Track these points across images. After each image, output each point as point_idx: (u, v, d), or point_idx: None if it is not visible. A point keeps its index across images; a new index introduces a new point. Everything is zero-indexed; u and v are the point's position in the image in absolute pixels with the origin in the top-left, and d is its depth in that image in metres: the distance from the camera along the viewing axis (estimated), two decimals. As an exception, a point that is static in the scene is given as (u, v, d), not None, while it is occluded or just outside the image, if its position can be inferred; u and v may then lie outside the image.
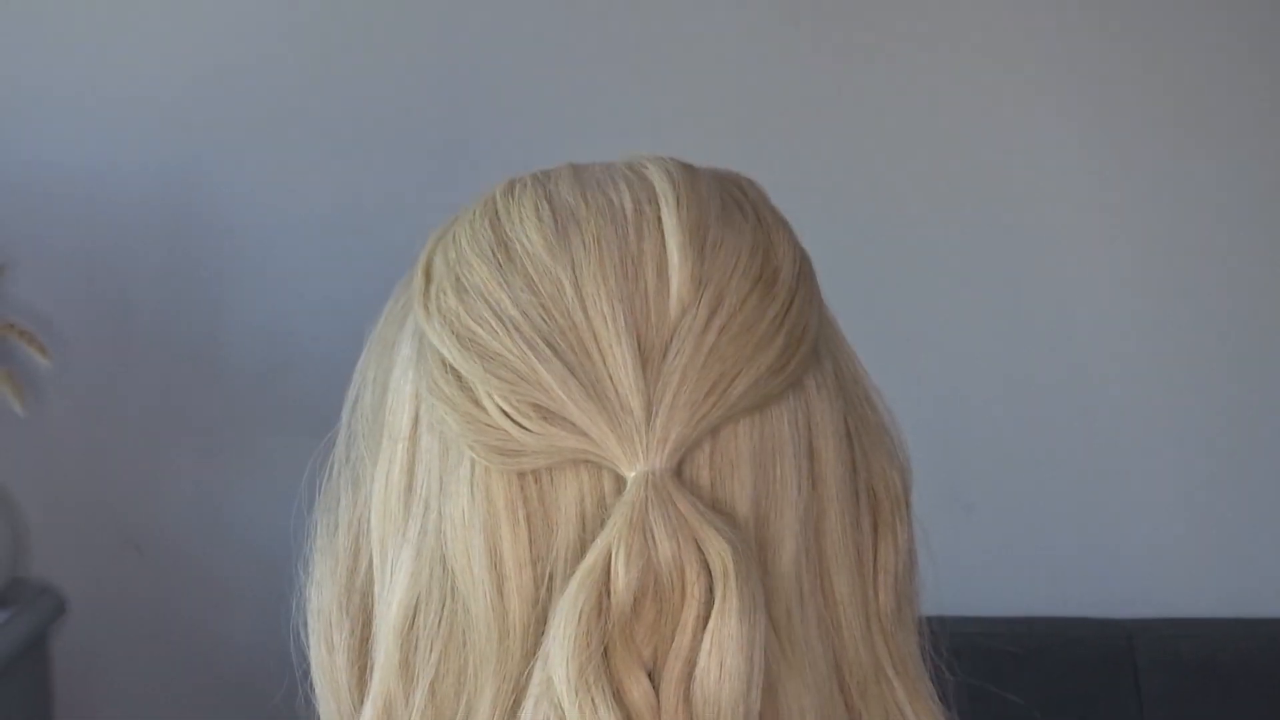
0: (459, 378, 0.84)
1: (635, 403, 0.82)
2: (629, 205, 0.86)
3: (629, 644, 0.81)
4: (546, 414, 0.82)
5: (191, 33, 2.19)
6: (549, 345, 0.82)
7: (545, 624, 0.82)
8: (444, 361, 0.84)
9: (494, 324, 0.83)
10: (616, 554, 0.81)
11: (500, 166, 0.93)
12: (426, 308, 0.87)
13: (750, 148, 2.07)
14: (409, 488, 0.86)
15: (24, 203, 2.20)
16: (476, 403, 0.83)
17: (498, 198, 0.89)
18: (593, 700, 0.81)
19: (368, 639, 0.88)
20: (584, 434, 0.81)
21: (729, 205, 0.88)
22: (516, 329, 0.83)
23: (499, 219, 0.87)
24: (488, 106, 2.20)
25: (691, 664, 0.81)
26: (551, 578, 0.82)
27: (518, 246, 0.85)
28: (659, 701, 0.81)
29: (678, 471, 0.82)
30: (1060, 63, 2.28)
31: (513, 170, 0.91)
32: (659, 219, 0.86)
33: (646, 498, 0.81)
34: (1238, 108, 2.28)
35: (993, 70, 2.28)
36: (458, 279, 0.86)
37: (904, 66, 2.26)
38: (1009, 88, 2.28)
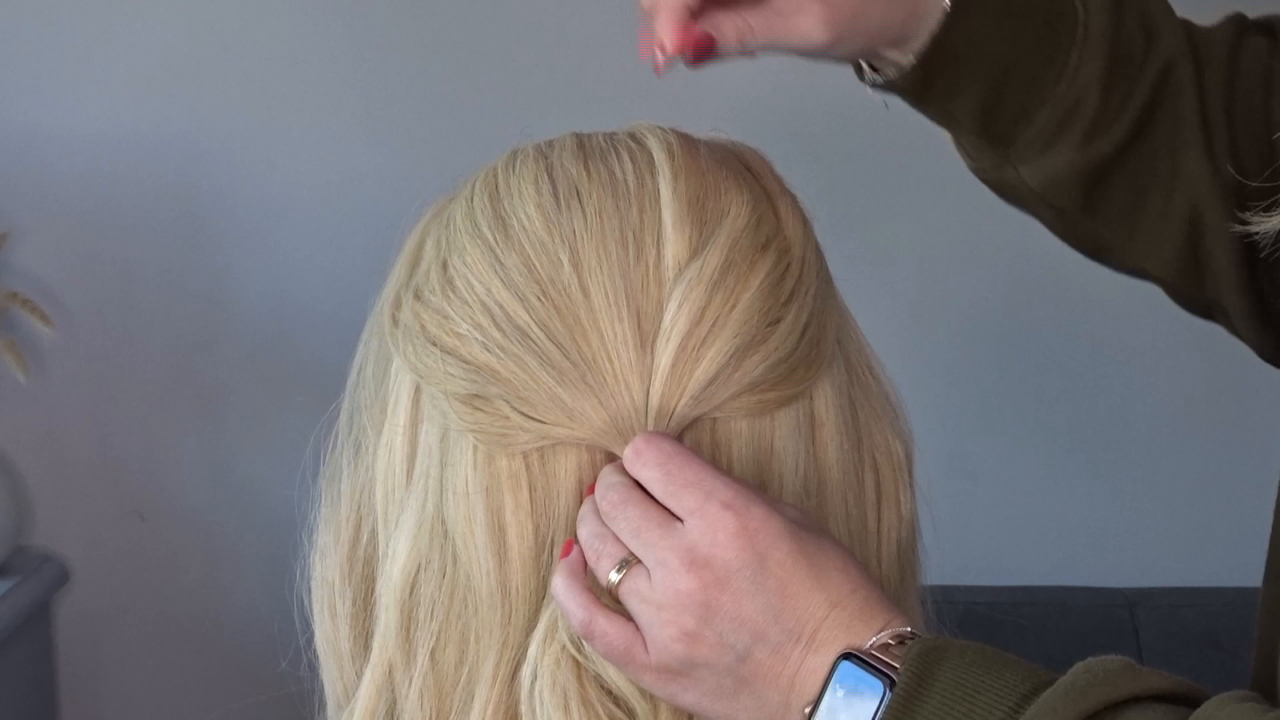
0: (453, 369, 0.84)
1: (633, 382, 0.82)
2: (631, 178, 0.85)
3: None
4: (539, 407, 0.82)
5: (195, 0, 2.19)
6: (543, 329, 0.82)
7: (548, 589, 0.82)
8: (437, 353, 0.84)
9: (482, 319, 0.83)
10: None
11: (506, 135, 0.92)
12: (418, 296, 0.87)
13: (752, 113, 2.07)
14: (411, 458, 0.86)
15: (27, 171, 2.19)
16: (471, 394, 0.83)
17: (498, 170, 0.88)
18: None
19: (370, 608, 0.88)
20: (578, 422, 0.82)
21: (729, 178, 0.87)
22: (509, 320, 0.82)
23: (498, 193, 0.87)
24: (494, 74, 2.19)
25: None
26: (553, 544, 0.83)
27: (515, 223, 0.85)
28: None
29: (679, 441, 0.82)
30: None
31: (518, 140, 0.91)
32: (657, 191, 0.85)
33: None
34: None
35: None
36: (445, 267, 0.86)
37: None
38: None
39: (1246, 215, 0.92)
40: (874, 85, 1.00)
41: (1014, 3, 0.98)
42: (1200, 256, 1.04)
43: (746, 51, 0.89)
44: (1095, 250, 1.09)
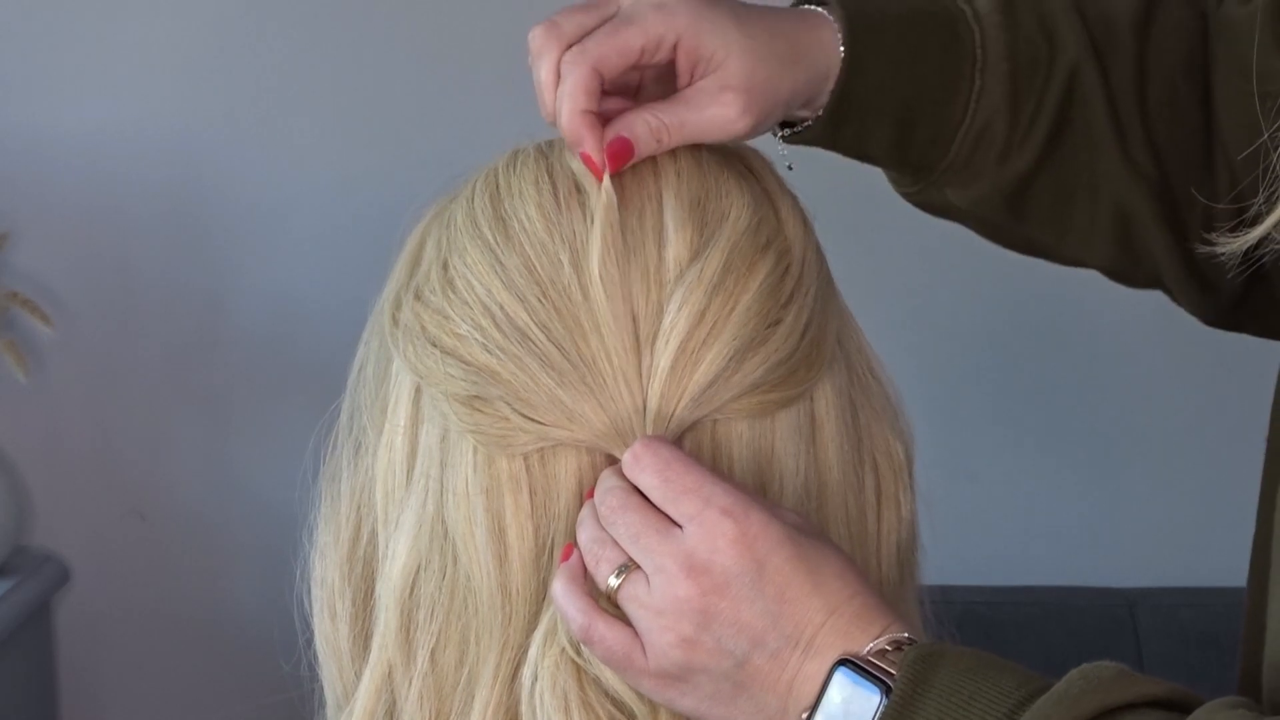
0: (453, 370, 0.84)
1: (633, 385, 0.82)
2: (632, 179, 0.85)
3: None
4: (540, 408, 0.82)
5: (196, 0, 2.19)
6: (544, 330, 0.82)
7: (548, 590, 0.82)
8: (438, 354, 0.84)
9: (482, 320, 0.83)
10: None
11: (506, 135, 0.92)
12: (419, 296, 0.86)
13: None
14: (411, 458, 0.86)
15: (27, 171, 2.19)
16: (471, 395, 0.83)
17: (499, 170, 0.88)
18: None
19: (370, 608, 0.88)
20: (578, 424, 0.82)
21: (730, 179, 0.87)
22: (509, 321, 0.82)
23: (499, 194, 0.87)
24: (494, 74, 2.19)
25: None
26: (553, 545, 0.83)
27: (516, 223, 0.85)
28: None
29: (677, 447, 0.82)
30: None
31: (518, 140, 0.91)
32: (659, 193, 0.85)
33: None
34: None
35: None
36: (445, 267, 0.85)
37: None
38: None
39: (1212, 236, 0.92)
40: (783, 140, 0.99)
41: (909, 44, 0.97)
42: (1134, 246, 1.04)
43: (662, 150, 0.88)
44: (1030, 251, 1.09)
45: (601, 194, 0.84)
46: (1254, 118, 0.92)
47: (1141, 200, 1.01)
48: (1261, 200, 0.86)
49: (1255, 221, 0.86)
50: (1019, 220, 1.04)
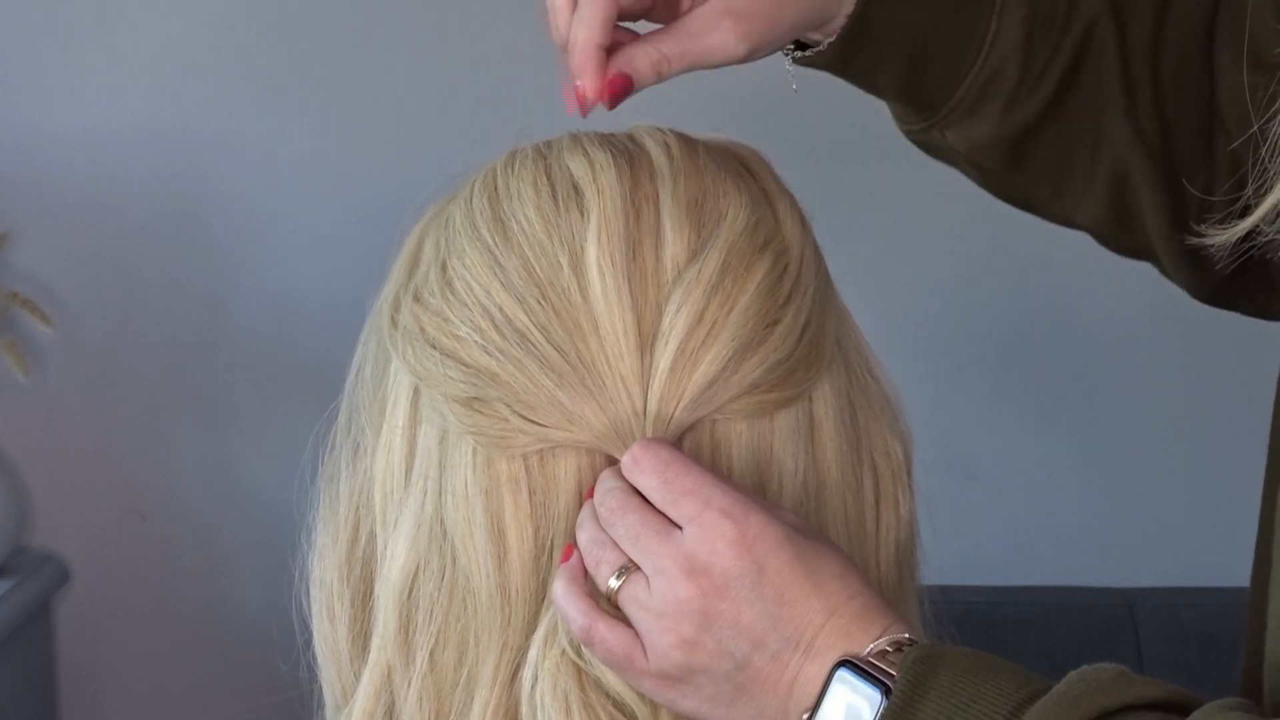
0: (452, 372, 0.84)
1: (632, 386, 0.82)
2: (629, 180, 0.85)
3: None
4: (539, 410, 0.82)
5: None
6: (543, 332, 0.82)
7: (547, 591, 0.82)
8: (437, 355, 0.84)
9: (481, 322, 0.83)
10: None
11: (505, 135, 0.92)
12: (418, 298, 0.86)
13: (751, 112, 2.06)
14: (409, 459, 0.86)
15: (27, 171, 2.19)
16: (470, 397, 0.83)
17: (497, 172, 0.88)
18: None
19: (369, 609, 0.88)
20: (578, 425, 0.82)
21: (728, 179, 0.87)
22: (508, 323, 0.82)
23: (497, 195, 0.86)
24: (493, 74, 2.19)
25: None
26: (553, 546, 0.83)
27: (514, 225, 0.84)
28: None
29: (676, 448, 0.82)
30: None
31: (517, 140, 0.91)
32: (656, 194, 0.85)
33: None
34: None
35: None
36: (444, 269, 0.85)
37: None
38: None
39: (1202, 228, 0.92)
40: (793, 61, 0.99)
41: None
42: (1128, 210, 1.03)
43: (663, 80, 0.88)
44: (1023, 205, 1.08)
45: (600, 198, 0.84)
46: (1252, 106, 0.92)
47: (1141, 165, 1.01)
48: (1251, 192, 0.86)
49: (1245, 213, 0.86)
50: (1017, 170, 1.03)
